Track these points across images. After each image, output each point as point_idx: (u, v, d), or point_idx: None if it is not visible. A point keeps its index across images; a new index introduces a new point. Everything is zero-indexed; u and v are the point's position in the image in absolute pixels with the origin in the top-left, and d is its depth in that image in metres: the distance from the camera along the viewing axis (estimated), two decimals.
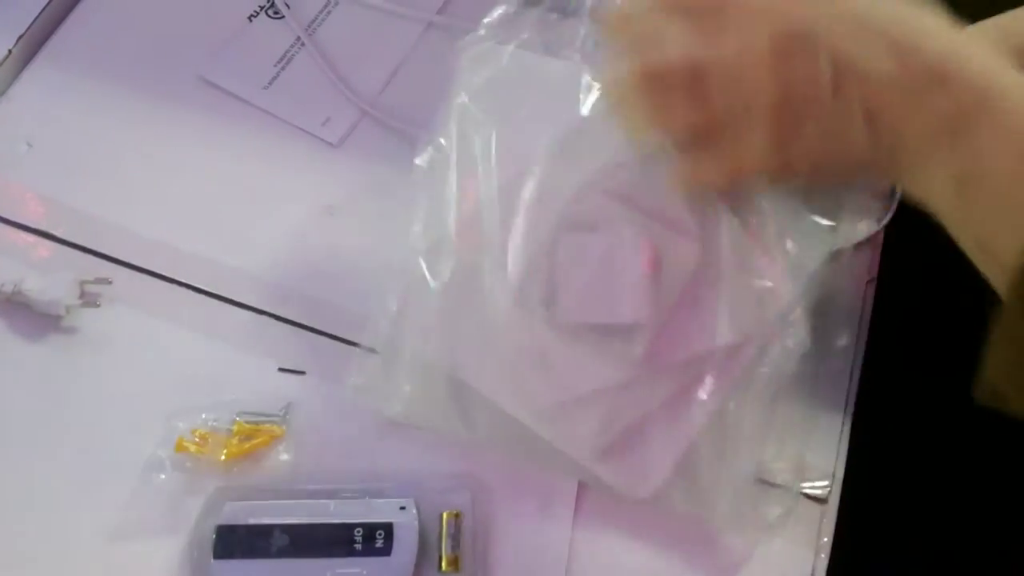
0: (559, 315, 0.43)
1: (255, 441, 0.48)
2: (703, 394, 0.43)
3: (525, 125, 0.46)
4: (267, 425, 0.49)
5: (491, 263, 0.45)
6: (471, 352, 0.46)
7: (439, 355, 0.46)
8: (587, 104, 0.45)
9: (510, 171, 0.46)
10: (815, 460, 0.48)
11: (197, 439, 0.48)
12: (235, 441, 0.48)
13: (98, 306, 0.52)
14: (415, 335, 0.46)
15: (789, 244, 0.43)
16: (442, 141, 0.47)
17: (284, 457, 0.48)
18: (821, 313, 0.51)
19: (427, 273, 0.46)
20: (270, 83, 0.59)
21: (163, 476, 0.47)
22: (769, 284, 0.43)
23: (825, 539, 0.47)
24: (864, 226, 0.53)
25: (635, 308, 0.42)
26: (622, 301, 0.42)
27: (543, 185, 0.45)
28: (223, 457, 0.47)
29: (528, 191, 0.45)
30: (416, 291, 0.47)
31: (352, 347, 0.50)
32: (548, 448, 0.45)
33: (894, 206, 0.54)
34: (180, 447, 0.47)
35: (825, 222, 0.44)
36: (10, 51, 0.59)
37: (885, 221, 0.54)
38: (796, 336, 0.43)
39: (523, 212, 0.45)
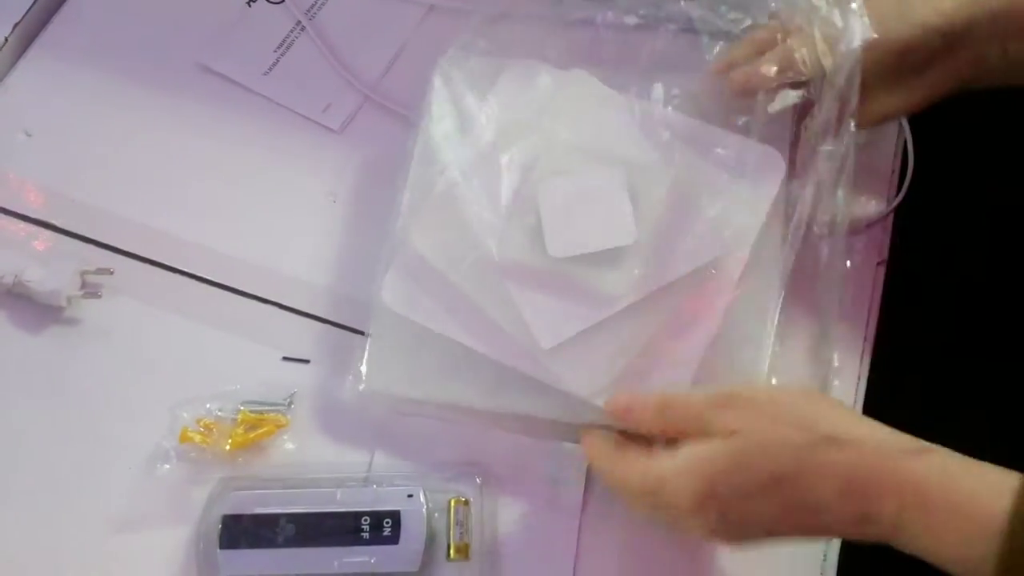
0: (551, 252, 0.45)
1: (260, 431, 0.48)
2: (703, 312, 0.45)
3: (496, 106, 0.50)
4: (272, 414, 0.48)
5: (476, 220, 0.47)
6: (464, 313, 0.46)
7: (433, 323, 0.46)
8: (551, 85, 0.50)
9: (485, 138, 0.49)
10: None
11: (202, 429, 0.47)
12: (240, 431, 0.47)
13: (99, 297, 0.51)
14: (404, 306, 0.47)
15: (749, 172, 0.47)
16: (424, 124, 0.51)
17: (289, 446, 0.48)
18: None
19: (415, 241, 0.47)
20: (270, 69, 0.59)
21: (168, 467, 0.47)
22: (742, 203, 0.46)
23: None
24: (874, 207, 0.53)
25: (621, 232, 0.45)
26: (608, 228, 0.45)
27: (517, 145, 0.48)
28: (228, 447, 0.47)
29: (505, 152, 0.48)
30: (404, 260, 0.48)
31: (356, 335, 0.50)
32: (552, 398, 0.45)
33: (904, 189, 0.54)
34: (185, 437, 0.47)
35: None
36: (6, 39, 0.58)
37: (895, 203, 0.53)
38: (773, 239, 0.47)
39: (502, 170, 0.48)
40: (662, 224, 0.45)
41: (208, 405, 0.48)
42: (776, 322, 0.46)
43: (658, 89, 0.50)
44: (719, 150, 0.48)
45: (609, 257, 0.45)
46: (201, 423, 0.47)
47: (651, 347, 0.45)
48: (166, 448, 0.47)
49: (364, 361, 0.47)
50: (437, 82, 0.52)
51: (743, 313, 0.46)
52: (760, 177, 0.47)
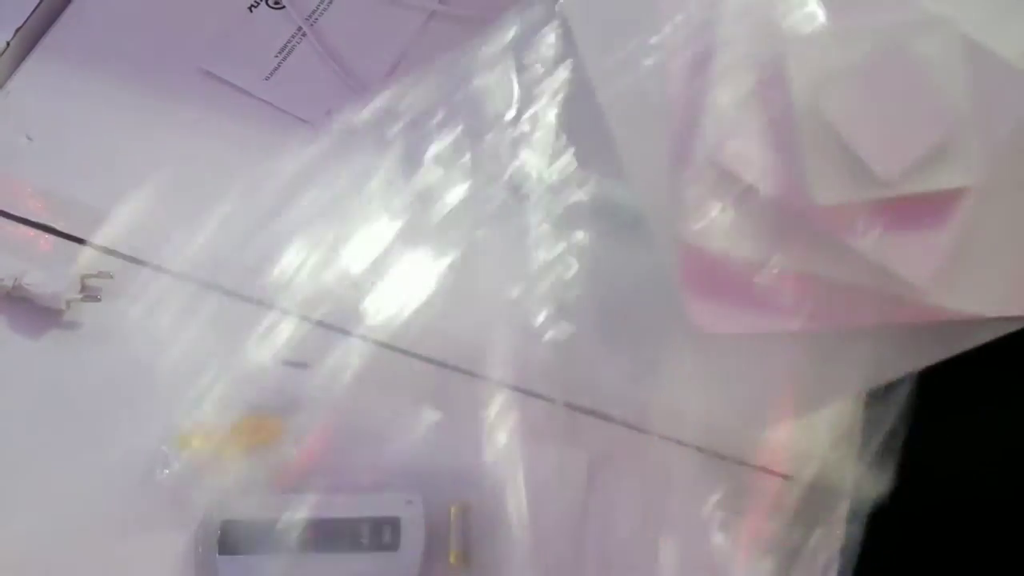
0: (884, 175, 0.35)
1: (259, 436, 0.48)
2: None
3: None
4: (271, 420, 0.48)
5: (758, 182, 0.37)
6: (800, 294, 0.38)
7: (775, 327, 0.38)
8: None
9: (693, 80, 0.38)
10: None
11: (201, 434, 0.47)
12: (239, 436, 0.47)
13: (99, 300, 0.51)
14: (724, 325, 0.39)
15: None
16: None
17: (289, 451, 0.48)
18: None
19: (698, 239, 0.38)
20: (271, 74, 0.59)
21: (167, 472, 0.47)
22: None
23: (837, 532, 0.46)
24: None
25: (938, 114, 0.36)
26: (923, 117, 0.36)
27: (747, 69, 0.37)
28: (227, 453, 0.47)
29: (740, 79, 0.37)
30: (693, 269, 0.39)
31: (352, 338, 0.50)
32: (940, 333, 0.38)
33: None
34: (183, 443, 0.47)
35: None
36: (8, 44, 0.58)
37: None
38: None
39: (753, 104, 0.37)
40: (971, 87, 0.36)
41: (207, 409, 0.48)
42: None
43: None
44: None
45: (938, 151, 0.36)
46: (200, 428, 0.47)
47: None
48: (165, 453, 0.47)
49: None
50: (578, 30, 0.40)
51: None
52: None
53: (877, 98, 0.36)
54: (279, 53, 0.59)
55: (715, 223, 0.37)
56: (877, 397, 0.44)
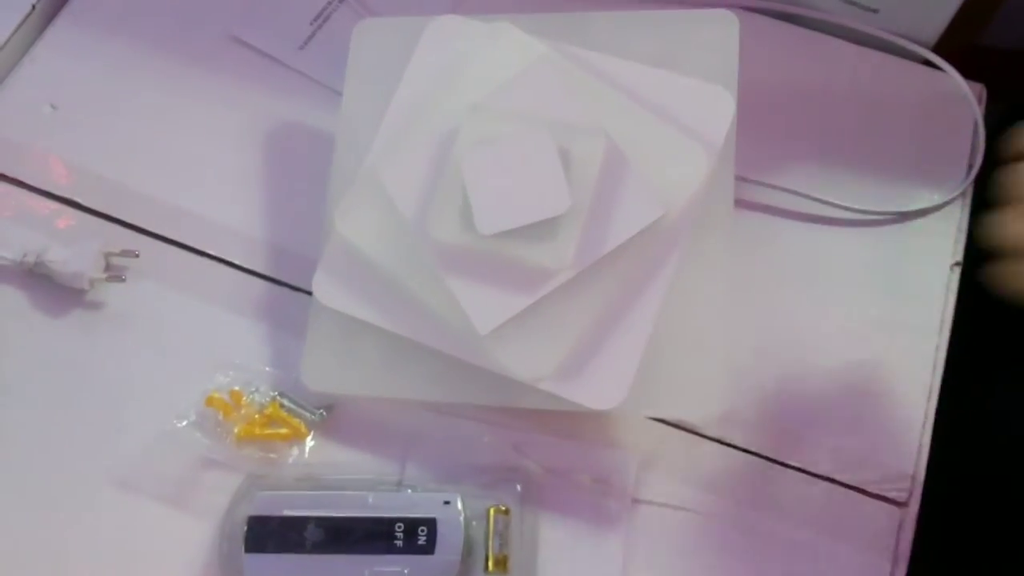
0: (481, 229, 0.40)
1: (279, 431, 0.45)
2: (648, 280, 0.42)
3: (415, 72, 0.46)
4: (298, 420, 0.46)
5: (403, 202, 0.43)
6: (400, 302, 0.43)
7: (367, 315, 0.43)
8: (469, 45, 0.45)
9: (406, 110, 0.45)
10: (893, 460, 0.45)
11: (230, 401, 0.45)
12: (259, 421, 0.45)
13: (123, 281, 0.49)
14: (337, 300, 0.44)
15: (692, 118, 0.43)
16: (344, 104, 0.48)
17: (319, 445, 0.45)
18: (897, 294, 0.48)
19: (341, 229, 0.44)
20: (305, 43, 0.56)
21: (184, 423, 0.45)
22: (684, 153, 0.42)
23: (904, 546, 0.44)
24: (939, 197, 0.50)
25: (554, 200, 0.40)
26: (540, 197, 0.40)
27: (440, 114, 0.44)
28: (238, 433, 0.45)
29: (427, 123, 0.44)
30: (334, 252, 0.45)
31: None
32: (496, 385, 0.42)
33: (973, 175, 0.50)
34: (210, 401, 0.45)
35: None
36: (33, 7, 0.56)
37: (961, 189, 0.50)
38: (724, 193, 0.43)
39: (426, 144, 0.44)
40: (599, 187, 0.41)
41: (248, 377, 0.46)
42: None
43: (595, 30, 0.46)
44: (662, 95, 0.43)
45: (544, 229, 0.40)
46: (232, 394, 0.45)
47: (599, 321, 0.41)
48: (189, 405, 0.45)
49: (302, 362, 0.45)
50: (352, 53, 0.48)
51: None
52: (707, 121, 0.43)
53: (513, 169, 0.41)
54: (314, 20, 0.56)
55: (363, 224, 0.44)
56: None
